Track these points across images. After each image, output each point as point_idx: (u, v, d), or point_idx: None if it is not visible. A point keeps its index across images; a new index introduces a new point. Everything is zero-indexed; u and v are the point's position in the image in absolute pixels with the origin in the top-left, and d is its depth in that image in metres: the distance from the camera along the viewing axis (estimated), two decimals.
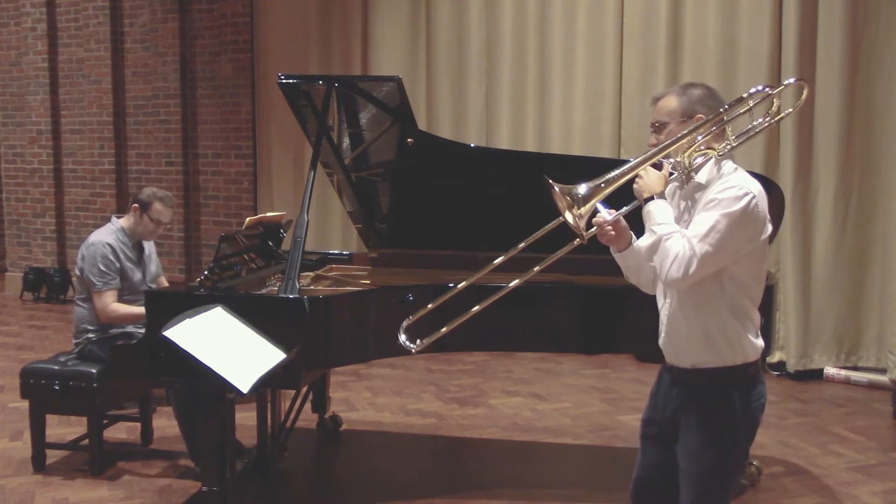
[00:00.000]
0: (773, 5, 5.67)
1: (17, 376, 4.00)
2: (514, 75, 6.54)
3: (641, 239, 2.22)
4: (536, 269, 2.37)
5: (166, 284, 4.49)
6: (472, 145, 5.79)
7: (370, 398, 5.25)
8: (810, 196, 5.69)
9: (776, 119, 2.30)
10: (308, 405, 4.38)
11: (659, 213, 2.16)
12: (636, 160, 2.18)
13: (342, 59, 7.18)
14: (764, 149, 5.73)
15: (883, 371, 5.57)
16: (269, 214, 4.16)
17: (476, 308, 2.46)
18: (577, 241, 2.21)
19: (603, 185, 2.10)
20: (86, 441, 4.01)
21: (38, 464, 3.96)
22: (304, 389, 4.25)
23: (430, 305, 2.52)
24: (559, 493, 3.81)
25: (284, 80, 3.67)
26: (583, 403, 5.16)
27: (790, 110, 2.32)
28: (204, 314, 2.94)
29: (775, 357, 5.82)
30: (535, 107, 6.49)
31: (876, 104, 5.53)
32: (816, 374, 5.75)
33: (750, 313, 2.21)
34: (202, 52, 7.91)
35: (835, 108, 5.55)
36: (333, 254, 4.63)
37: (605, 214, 2.20)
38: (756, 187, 2.15)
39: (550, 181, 2.08)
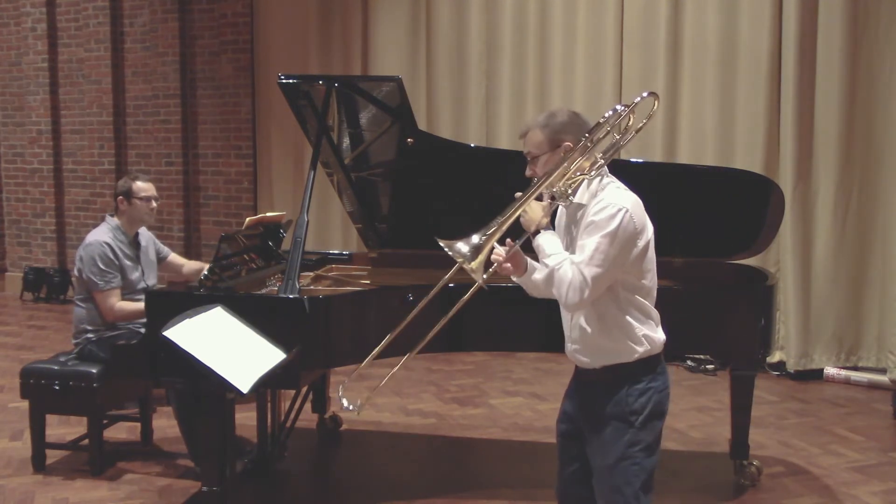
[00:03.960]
0: (773, 5, 5.67)
1: (17, 376, 4.01)
2: (514, 75, 6.54)
3: (537, 272, 2.37)
4: (447, 317, 2.56)
5: (182, 260, 4.49)
6: (472, 145, 5.79)
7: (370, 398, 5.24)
8: (810, 196, 5.69)
9: (635, 132, 2.43)
10: (308, 405, 4.38)
11: (548, 246, 2.32)
12: (516, 203, 2.29)
13: (342, 59, 7.18)
14: (764, 149, 5.74)
15: (883, 371, 5.57)
16: (269, 214, 4.16)
17: (408, 355, 2.64)
18: (476, 286, 2.35)
19: (488, 236, 2.23)
20: (86, 441, 4.01)
21: (38, 464, 3.96)
22: (304, 389, 4.25)
23: (363, 364, 2.69)
24: None
25: (284, 80, 3.67)
26: None
27: (645, 121, 2.44)
28: (204, 314, 2.95)
29: (775, 357, 5.82)
30: (535, 107, 6.48)
31: (876, 104, 5.53)
32: (816, 374, 5.75)
33: (646, 309, 2.35)
34: (202, 52, 7.90)
35: (835, 109, 5.55)
36: (333, 254, 4.63)
37: (501, 251, 2.33)
38: (629, 200, 2.27)
39: (440, 242, 2.22)
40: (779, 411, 5.04)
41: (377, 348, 2.67)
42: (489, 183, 4.01)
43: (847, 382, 5.64)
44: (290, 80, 3.68)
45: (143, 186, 4.10)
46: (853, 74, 5.53)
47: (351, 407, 2.55)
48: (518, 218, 2.30)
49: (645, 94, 2.44)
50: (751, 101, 5.77)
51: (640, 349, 2.31)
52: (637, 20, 6.09)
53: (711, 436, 4.53)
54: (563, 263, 2.25)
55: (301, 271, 3.38)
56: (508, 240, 2.33)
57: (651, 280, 2.36)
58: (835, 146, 5.58)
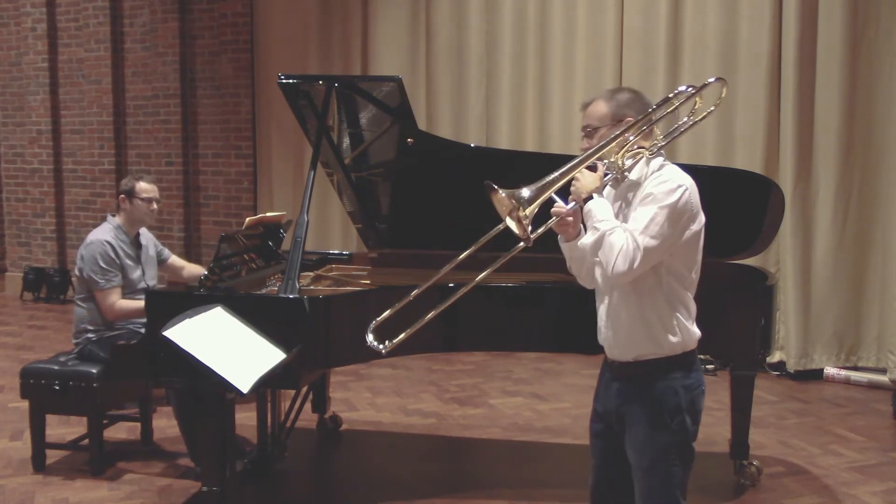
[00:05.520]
0: (773, 6, 5.67)
1: (17, 376, 4.01)
2: (514, 75, 6.53)
3: (585, 237, 2.29)
4: (488, 271, 2.40)
5: (182, 263, 4.50)
6: (472, 145, 5.79)
7: (370, 398, 5.25)
8: (810, 196, 5.69)
9: (700, 117, 2.39)
10: (308, 405, 4.38)
11: (599, 211, 2.23)
12: (573, 163, 2.24)
13: (342, 59, 7.18)
14: (764, 149, 5.74)
15: (883, 371, 5.57)
16: (269, 214, 4.16)
17: (440, 308, 2.48)
18: (521, 244, 2.26)
19: (544, 186, 2.17)
20: (86, 441, 4.01)
21: (38, 464, 3.96)
22: (304, 389, 4.25)
23: (396, 307, 2.51)
24: (559, 493, 3.81)
25: (284, 80, 3.67)
26: (583, 403, 5.15)
27: (712, 108, 2.40)
28: (204, 314, 2.95)
29: (775, 357, 5.82)
30: (535, 107, 6.49)
31: (876, 104, 5.52)
32: (816, 374, 5.74)
33: (686, 302, 2.30)
34: (202, 52, 7.90)
35: (835, 109, 5.55)
36: (333, 254, 4.63)
37: (563, 204, 2.27)
38: (688, 180, 2.23)
39: (494, 185, 2.14)
40: (779, 411, 5.04)
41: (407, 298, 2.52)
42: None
43: (847, 382, 5.64)
44: (290, 80, 3.68)
45: (145, 187, 4.11)
46: (853, 74, 5.53)
47: (378, 345, 2.39)
48: (569, 184, 2.23)
49: (712, 80, 2.38)
50: (751, 101, 5.77)
51: (674, 340, 2.25)
52: (637, 20, 6.09)
53: (711, 436, 4.52)
54: (615, 229, 2.17)
55: (301, 271, 3.38)
56: (571, 197, 2.26)
57: (696, 272, 2.30)
58: (835, 146, 5.58)
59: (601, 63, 6.20)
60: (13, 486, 3.78)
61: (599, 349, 2.43)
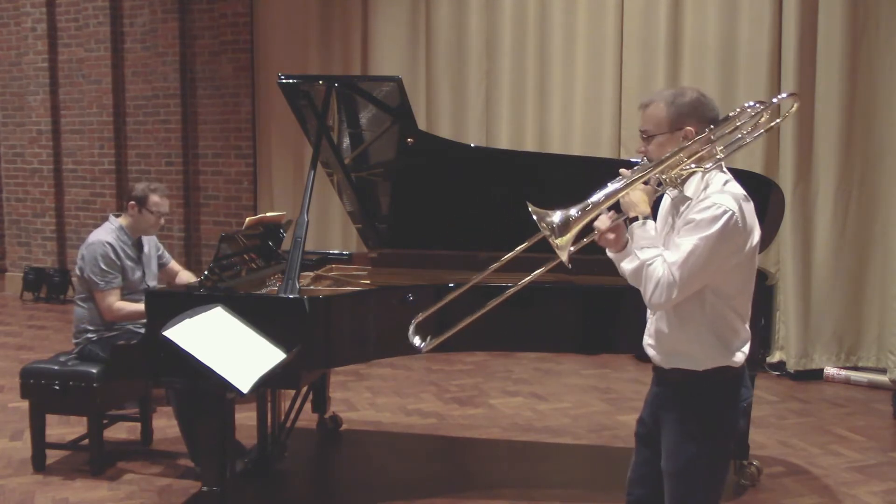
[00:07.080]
0: (773, 6, 5.67)
1: (17, 376, 4.01)
2: (514, 75, 6.53)
3: (626, 262, 2.22)
4: (540, 271, 2.34)
5: (178, 269, 4.49)
6: (472, 145, 5.79)
7: (370, 398, 5.25)
8: (810, 196, 5.69)
9: (765, 130, 2.29)
10: (308, 405, 4.38)
11: (643, 237, 2.16)
12: (620, 183, 2.15)
13: (342, 59, 7.18)
14: (764, 149, 5.73)
15: (883, 371, 5.57)
16: (269, 214, 4.16)
17: (484, 309, 2.45)
18: (556, 262, 2.17)
19: (581, 212, 2.07)
20: (86, 441, 4.01)
21: (38, 464, 3.96)
22: (304, 389, 4.25)
23: (439, 304, 2.50)
24: (559, 493, 3.81)
25: (284, 80, 3.67)
26: (583, 403, 5.16)
27: (778, 120, 2.31)
28: (204, 314, 2.94)
29: (775, 357, 5.82)
30: (535, 107, 6.49)
31: (876, 104, 5.52)
32: (816, 374, 5.74)
33: (735, 326, 2.22)
34: (202, 52, 7.91)
35: (835, 109, 5.55)
36: (333, 254, 4.63)
37: (605, 219, 2.18)
38: (736, 203, 2.11)
39: (530, 206, 2.07)
40: (779, 411, 5.04)
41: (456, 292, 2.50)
42: (489, 183, 4.03)
43: (847, 382, 5.64)
44: (290, 80, 3.68)
45: (158, 201, 4.10)
46: (853, 74, 5.53)
47: (420, 343, 2.39)
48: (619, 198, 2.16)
49: (784, 95, 2.31)
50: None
51: (714, 362, 2.19)
52: (637, 21, 6.09)
53: None
54: (655, 259, 2.11)
55: (301, 271, 3.38)
56: (612, 212, 2.17)
57: (745, 292, 2.22)
58: (835, 146, 5.58)
59: (601, 63, 6.20)
60: (13, 486, 3.78)
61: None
